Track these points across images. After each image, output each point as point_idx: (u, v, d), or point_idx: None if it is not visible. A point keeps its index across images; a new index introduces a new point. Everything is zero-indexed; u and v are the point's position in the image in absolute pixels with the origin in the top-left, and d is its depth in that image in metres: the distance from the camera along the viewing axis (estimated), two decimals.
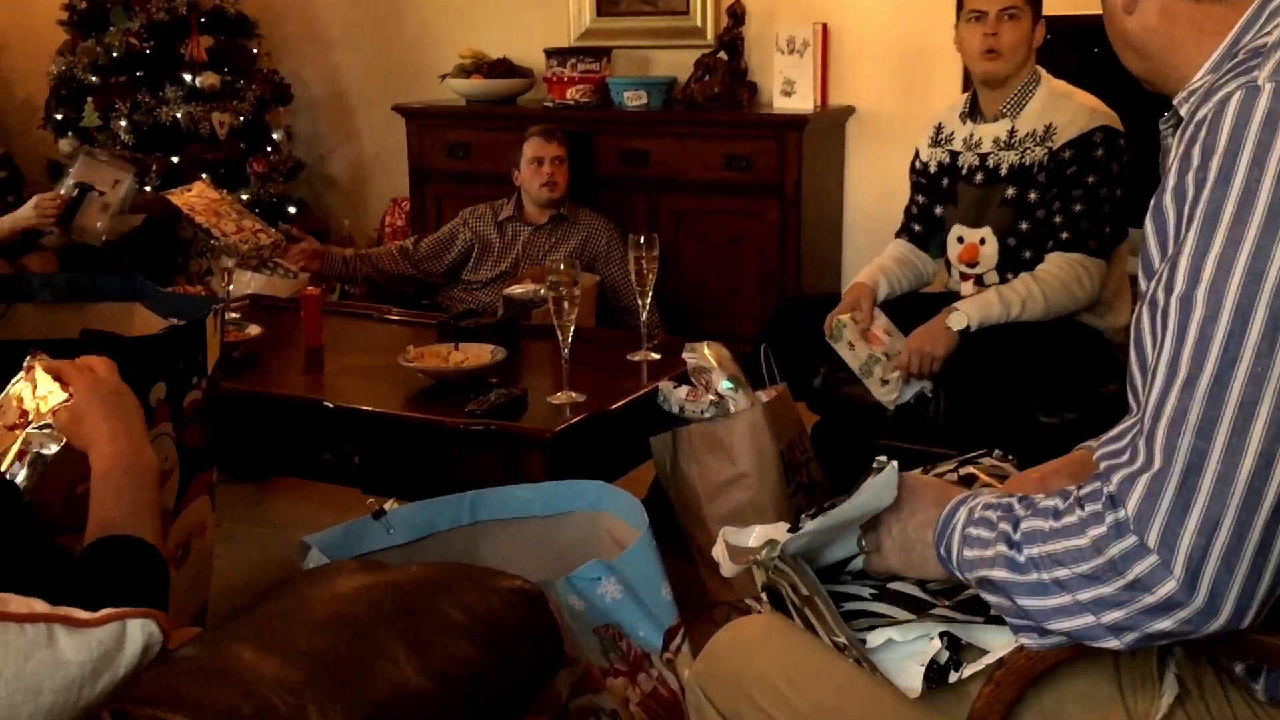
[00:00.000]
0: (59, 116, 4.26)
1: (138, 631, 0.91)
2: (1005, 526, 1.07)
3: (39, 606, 0.88)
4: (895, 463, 1.22)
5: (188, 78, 4.21)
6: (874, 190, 4.00)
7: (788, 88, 3.92)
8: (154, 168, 4.12)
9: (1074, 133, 2.56)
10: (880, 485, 1.21)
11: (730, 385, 2.39)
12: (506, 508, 1.97)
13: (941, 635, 1.20)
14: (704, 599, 2.39)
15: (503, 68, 4.25)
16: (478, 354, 2.53)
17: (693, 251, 3.93)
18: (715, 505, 2.39)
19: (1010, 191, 2.64)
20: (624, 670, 1.75)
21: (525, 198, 3.72)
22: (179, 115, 4.17)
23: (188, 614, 1.97)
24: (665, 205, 3.94)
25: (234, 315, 2.79)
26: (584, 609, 1.74)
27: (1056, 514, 1.03)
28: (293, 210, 4.46)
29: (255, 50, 4.47)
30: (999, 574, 1.06)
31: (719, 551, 1.43)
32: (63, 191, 3.37)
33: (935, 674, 1.19)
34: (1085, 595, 1.00)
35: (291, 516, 2.95)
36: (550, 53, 4.14)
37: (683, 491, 2.44)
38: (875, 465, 1.23)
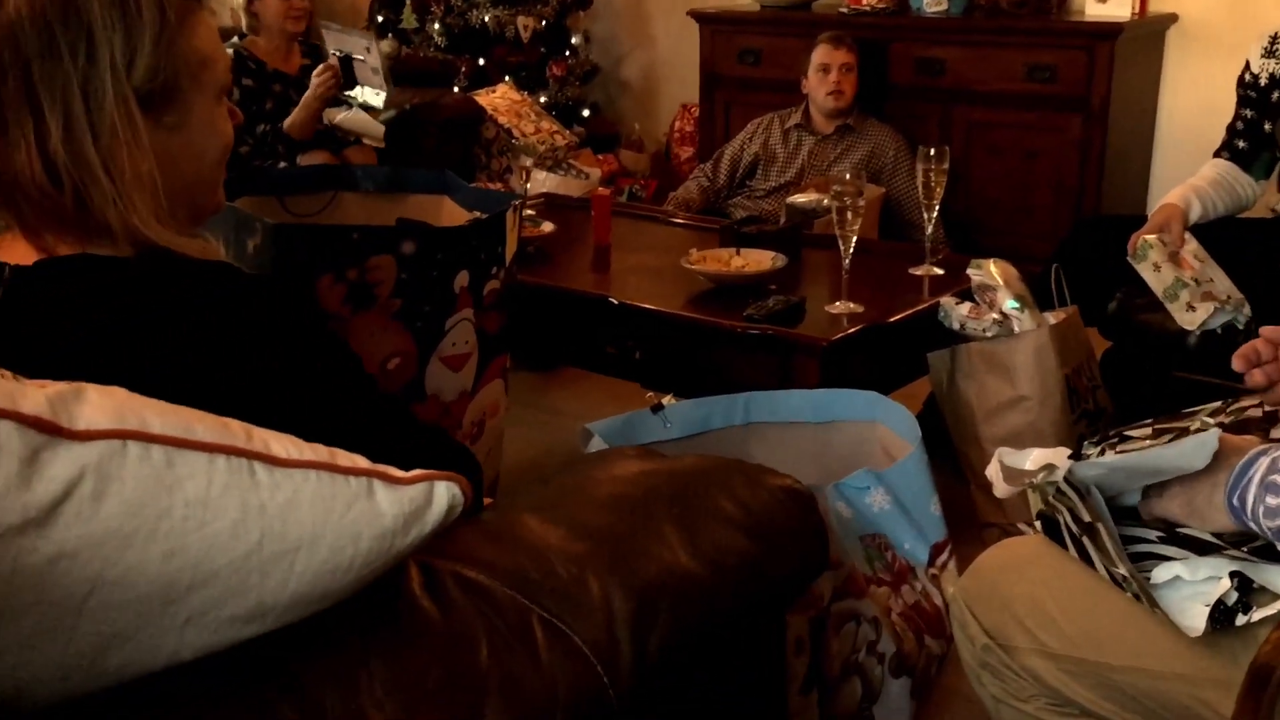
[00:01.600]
0: (380, 19, 4.54)
1: (444, 493, 0.99)
2: None
3: (361, 462, 0.97)
4: (1218, 430, 1.16)
5: None
6: (1193, 106, 3.71)
7: None
8: (462, 69, 4.33)
9: None
10: (1196, 445, 1.15)
11: (1016, 305, 2.31)
12: (779, 411, 2.01)
13: (1232, 575, 1.15)
14: (974, 519, 2.36)
15: None
16: (758, 260, 2.55)
17: (985, 166, 3.78)
18: (992, 426, 2.34)
19: None
20: (887, 580, 1.76)
21: (812, 106, 3.68)
22: (487, 19, 4.35)
23: (481, 487, 2.12)
24: (959, 117, 3.80)
25: (530, 212, 2.92)
26: (851, 516, 1.76)
27: None
28: (586, 113, 4.59)
29: None
30: None
31: (993, 471, 1.41)
32: (330, 60, 3.54)
33: (1221, 615, 1.14)
34: None
35: (575, 406, 3.10)
36: None
37: (959, 410, 2.39)
38: (1199, 426, 1.17)
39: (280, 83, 3.57)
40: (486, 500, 1.20)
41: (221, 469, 0.84)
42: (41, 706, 0.79)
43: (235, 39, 3.53)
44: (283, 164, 3.36)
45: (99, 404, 0.80)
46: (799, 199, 3.14)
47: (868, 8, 3.97)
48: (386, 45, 4.52)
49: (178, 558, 0.80)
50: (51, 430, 0.76)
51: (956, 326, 2.36)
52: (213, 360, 1.05)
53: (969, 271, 2.39)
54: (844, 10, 4.03)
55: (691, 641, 1.03)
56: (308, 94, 3.41)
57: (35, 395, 0.77)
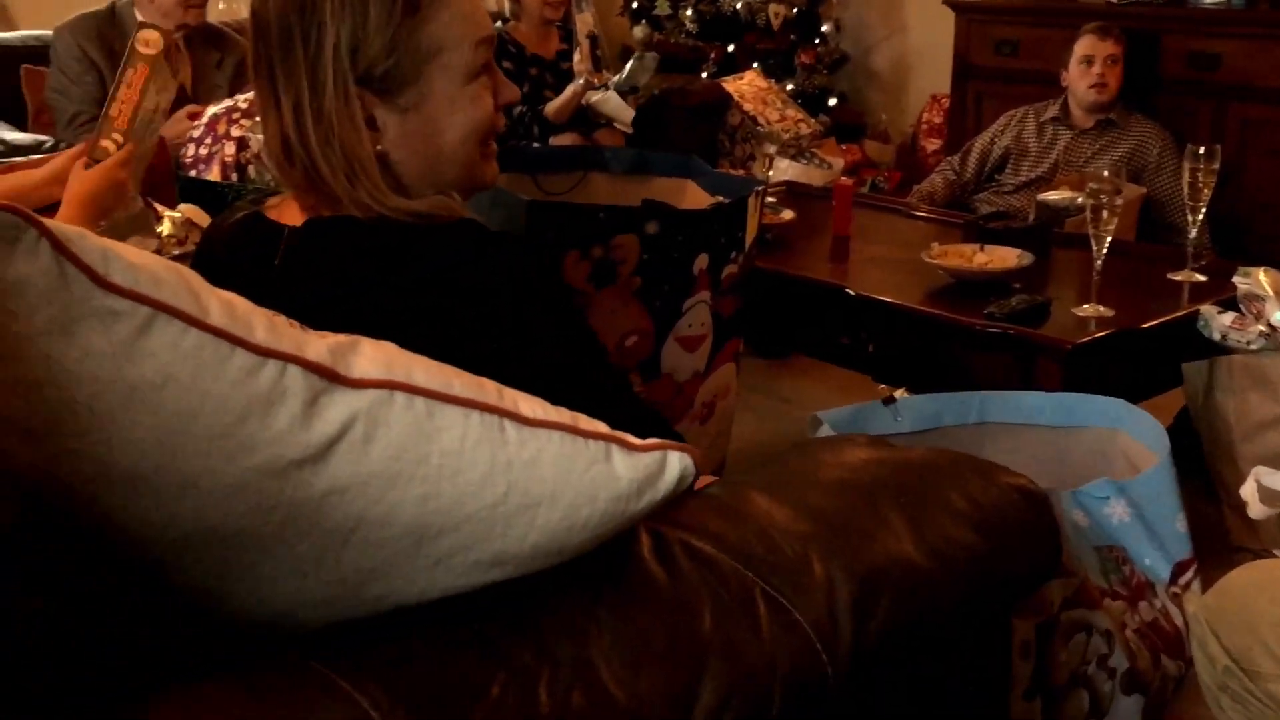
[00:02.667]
0: (635, 5, 4.63)
1: (676, 463, 1.02)
2: None
3: (601, 428, 1.01)
4: None
5: None
6: None
7: None
8: (712, 55, 4.38)
9: None
10: None
11: None
12: (1016, 412, 1.96)
13: None
14: (1224, 541, 2.23)
15: None
16: (1003, 257, 2.48)
17: (1261, 168, 3.54)
18: (1252, 445, 2.20)
19: None
20: (1124, 594, 1.70)
21: (1071, 99, 3.53)
22: (739, 6, 4.38)
23: (709, 467, 2.16)
24: (1234, 114, 3.57)
25: (771, 199, 2.93)
26: (1087, 526, 1.70)
27: None
28: (833, 102, 4.56)
29: None
30: None
31: (1249, 491, 1.34)
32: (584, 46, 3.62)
33: None
34: None
35: (804, 394, 3.10)
36: None
37: (1215, 425, 2.26)
38: None
39: (537, 66, 3.71)
40: (708, 479, 1.23)
41: (475, 424, 0.89)
42: (309, 629, 0.87)
43: (498, 23, 3.69)
44: (536, 144, 3.49)
45: (372, 356, 0.87)
46: (1051, 196, 3.03)
47: None
48: (640, 31, 4.61)
49: (432, 502, 0.86)
50: (331, 377, 0.83)
51: (1217, 337, 2.23)
52: (458, 306, 1.12)
53: (1235, 279, 2.25)
54: (1112, 0, 3.84)
55: (912, 631, 1.03)
56: (576, 84, 3.53)
57: (318, 344, 0.85)
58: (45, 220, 0.72)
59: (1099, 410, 1.94)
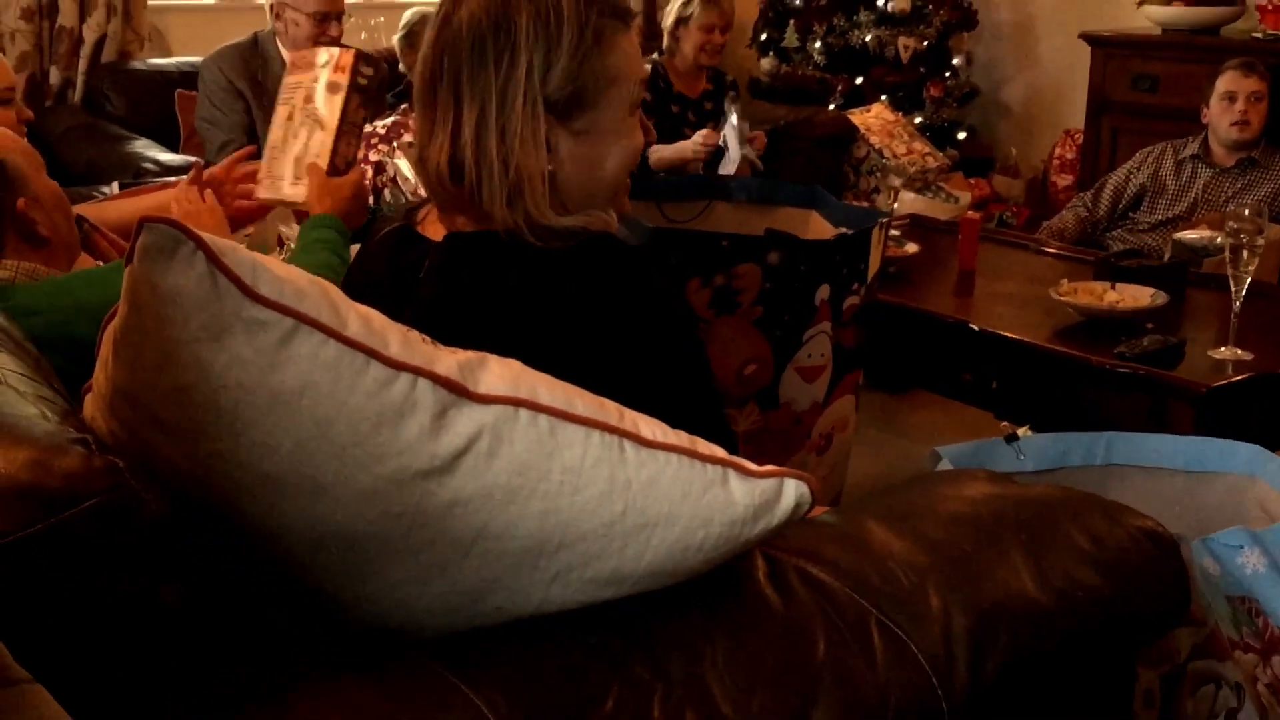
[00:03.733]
0: (764, 37, 4.65)
1: (792, 490, 1.02)
2: None
3: (719, 452, 1.02)
4: None
5: (880, 3, 4.38)
6: None
7: None
8: (839, 88, 4.37)
9: None
10: None
11: None
12: (1145, 455, 1.90)
13: None
14: None
15: None
16: (1135, 296, 2.41)
17: None
18: None
19: None
20: (1256, 647, 1.63)
21: (1212, 137, 3.43)
22: (868, 39, 4.36)
23: (825, 498, 2.14)
24: None
25: (895, 232, 2.91)
26: (1219, 574, 1.64)
27: None
28: (962, 135, 4.50)
29: None
30: None
31: None
32: (716, 137, 3.67)
33: None
34: None
35: (924, 430, 3.06)
36: None
37: None
38: None
39: (680, 104, 3.76)
40: (823, 510, 1.22)
41: (596, 443, 0.91)
42: (429, 635, 0.90)
43: (655, 55, 3.75)
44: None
45: (499, 372, 0.90)
46: (1189, 235, 2.94)
47: None
48: (767, 63, 4.63)
49: (551, 518, 0.88)
50: (460, 391, 0.86)
51: None
52: (586, 323, 1.15)
53: None
54: (1258, 35, 3.72)
55: (1031, 670, 1.01)
56: (685, 144, 3.58)
57: (448, 360, 0.88)
58: (201, 233, 0.77)
59: (1235, 456, 1.87)
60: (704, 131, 3.57)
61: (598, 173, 1.25)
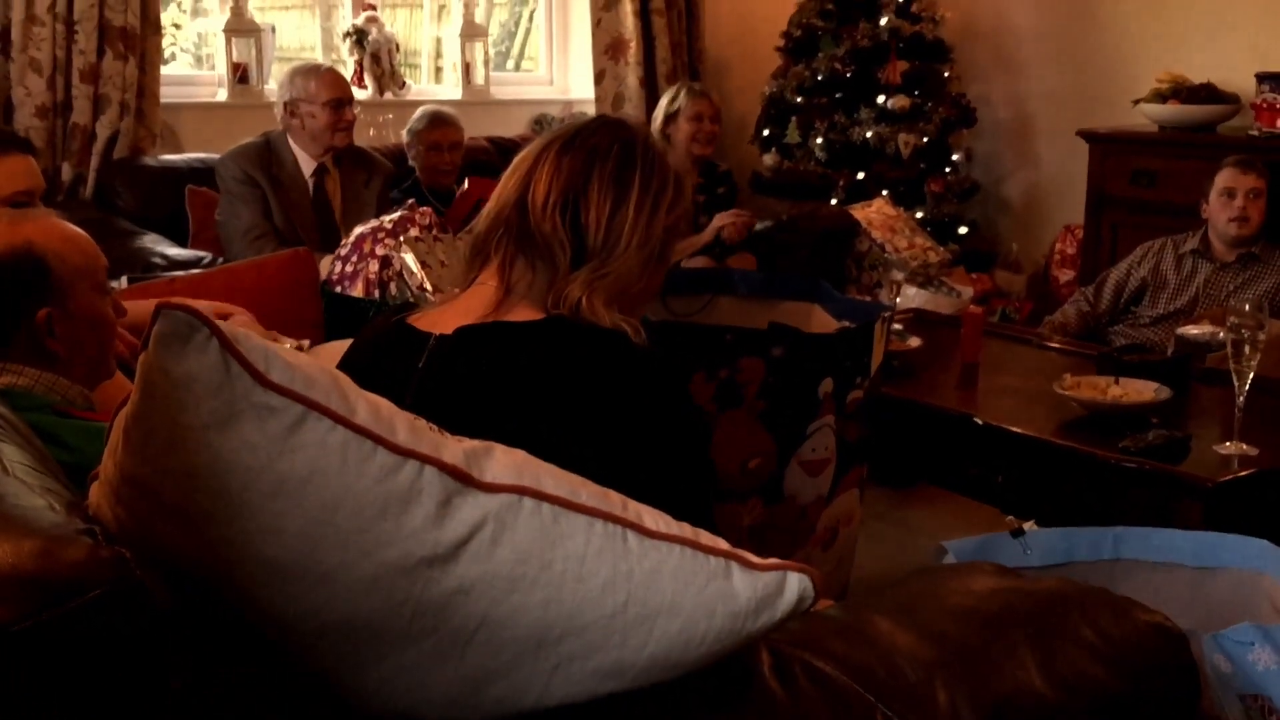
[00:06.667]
0: (765, 133, 4.74)
1: (795, 584, 1.02)
2: None
3: (721, 544, 1.02)
4: None
5: (881, 99, 4.47)
6: None
7: None
8: (841, 183, 4.43)
9: None
10: None
11: None
12: (1153, 550, 1.88)
13: None
14: None
15: (1205, 93, 3.98)
16: (1139, 390, 2.42)
17: None
18: None
19: None
20: None
21: (1212, 232, 3.47)
22: (869, 135, 4.44)
23: (830, 593, 2.12)
24: None
25: (898, 326, 2.93)
26: (1231, 672, 1.62)
27: None
28: (963, 230, 4.55)
29: (946, 74, 4.61)
30: None
31: None
32: (758, 227, 3.77)
33: None
34: None
35: (929, 525, 3.03)
36: (1263, 77, 3.80)
37: None
38: None
39: None
40: (828, 604, 1.21)
41: (599, 532, 0.91)
42: None
43: None
44: None
45: (504, 461, 0.90)
46: (1191, 329, 2.96)
47: None
48: (770, 159, 4.70)
49: (554, 607, 0.88)
50: (465, 479, 0.86)
51: None
52: (595, 411, 1.19)
53: None
54: (1254, 133, 3.79)
55: None
56: (705, 235, 3.65)
57: (454, 448, 0.88)
58: (216, 321, 0.78)
59: (1242, 551, 1.86)
60: (728, 215, 3.65)
61: (653, 292, 1.43)
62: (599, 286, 1.30)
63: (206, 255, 3.26)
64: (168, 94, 3.93)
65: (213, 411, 0.77)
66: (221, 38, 4.13)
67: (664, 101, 3.90)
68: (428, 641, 0.85)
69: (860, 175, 4.46)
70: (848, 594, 2.23)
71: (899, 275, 3.30)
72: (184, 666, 0.78)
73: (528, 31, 5.32)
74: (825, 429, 2.03)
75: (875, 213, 3.99)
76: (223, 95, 4.16)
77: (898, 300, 3.22)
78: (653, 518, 0.97)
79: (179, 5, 4.44)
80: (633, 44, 4.83)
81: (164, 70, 3.95)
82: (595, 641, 0.90)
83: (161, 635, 0.75)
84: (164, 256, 3.27)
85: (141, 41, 3.73)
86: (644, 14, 4.83)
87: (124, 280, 2.57)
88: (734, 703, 0.93)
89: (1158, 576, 1.90)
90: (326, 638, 0.84)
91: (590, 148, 1.34)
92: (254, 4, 4.25)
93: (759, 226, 3.76)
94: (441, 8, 4.88)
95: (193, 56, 4.50)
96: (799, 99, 4.60)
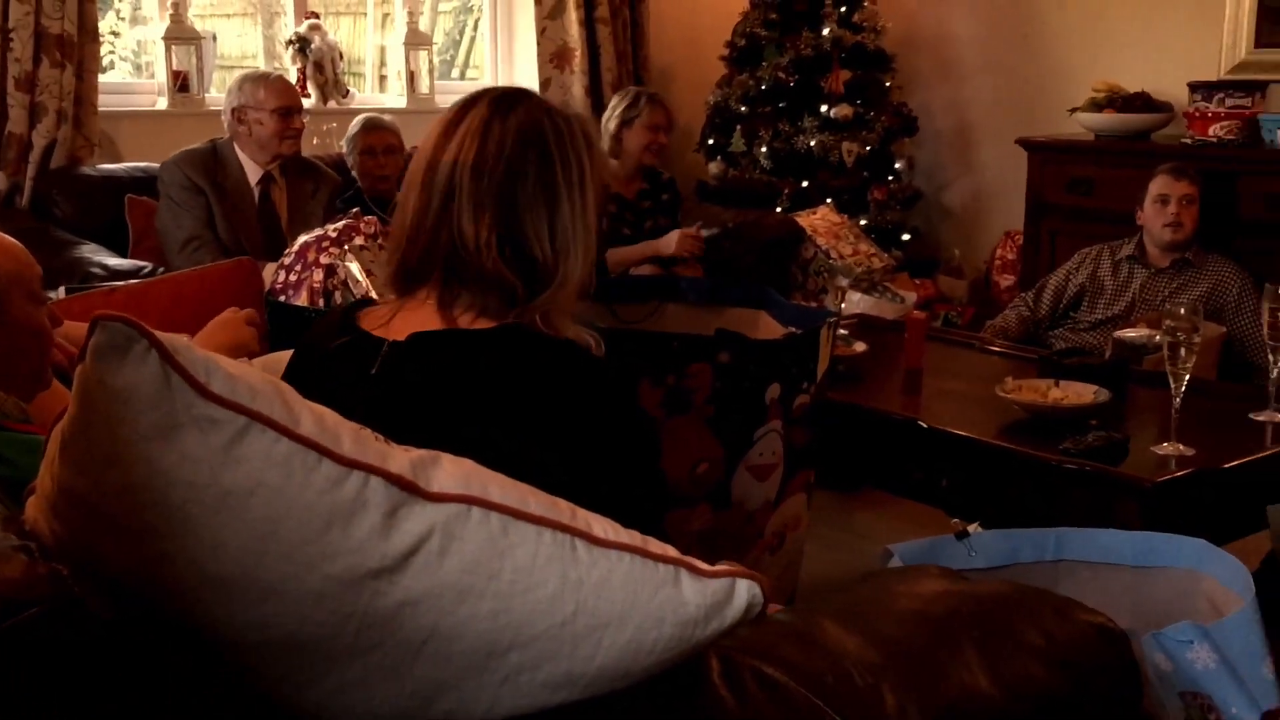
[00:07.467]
0: (710, 142, 4.76)
1: (744, 590, 1.02)
2: None
3: (671, 552, 1.02)
4: None
5: (824, 109, 4.51)
6: None
7: None
8: (785, 191, 4.46)
9: None
10: None
11: None
12: (1095, 551, 1.91)
13: None
14: None
15: (1139, 101, 4.06)
16: (1079, 393, 2.46)
17: None
18: None
19: None
20: None
21: (1147, 238, 3.53)
22: (813, 144, 4.47)
23: (779, 597, 2.13)
24: None
25: (843, 332, 2.95)
26: (1171, 670, 1.65)
27: None
28: (906, 237, 4.60)
29: (888, 84, 4.66)
30: None
31: None
32: (704, 234, 3.77)
33: None
34: None
35: (875, 528, 3.06)
36: (1195, 86, 3.88)
37: None
38: None
39: (617, 204, 3.83)
40: (777, 609, 1.22)
41: (548, 542, 0.91)
42: None
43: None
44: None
45: (451, 471, 0.90)
46: (1128, 333, 3.01)
47: (1214, 139, 3.79)
48: (715, 167, 4.72)
49: (502, 618, 0.87)
50: (412, 490, 0.86)
51: None
52: (548, 419, 1.17)
53: None
54: (1187, 141, 3.87)
55: None
56: (662, 242, 3.65)
57: (401, 458, 0.88)
58: (156, 331, 0.77)
59: (1180, 551, 1.89)
60: (687, 232, 3.65)
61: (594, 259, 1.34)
62: (560, 300, 1.27)
63: (147, 265, 3.21)
64: (106, 102, 3.86)
65: (152, 424, 0.76)
66: (161, 45, 4.07)
67: (620, 104, 3.89)
68: (374, 655, 0.84)
69: (805, 183, 4.49)
70: (796, 598, 2.24)
71: (844, 281, 3.33)
72: (124, 683, 0.76)
73: (473, 40, 5.29)
74: (772, 434, 2.04)
75: (820, 220, 4.02)
76: (163, 103, 4.10)
77: (843, 306, 3.25)
78: (601, 526, 0.97)
79: (117, 13, 4.37)
80: (578, 53, 4.83)
81: (102, 78, 3.88)
82: (545, 652, 0.89)
83: (101, 652, 0.73)
84: (103, 266, 3.21)
85: (79, 49, 3.66)
86: (589, 23, 4.84)
87: (61, 290, 2.52)
88: (683, 711, 0.93)
89: (1099, 577, 1.93)
90: (271, 652, 0.82)
91: (506, 164, 1.26)
92: (194, 11, 4.20)
93: (706, 234, 3.77)
94: (385, 16, 4.85)
95: (132, 65, 4.43)
96: (744, 108, 4.62)
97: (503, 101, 1.30)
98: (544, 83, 4.83)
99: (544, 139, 1.28)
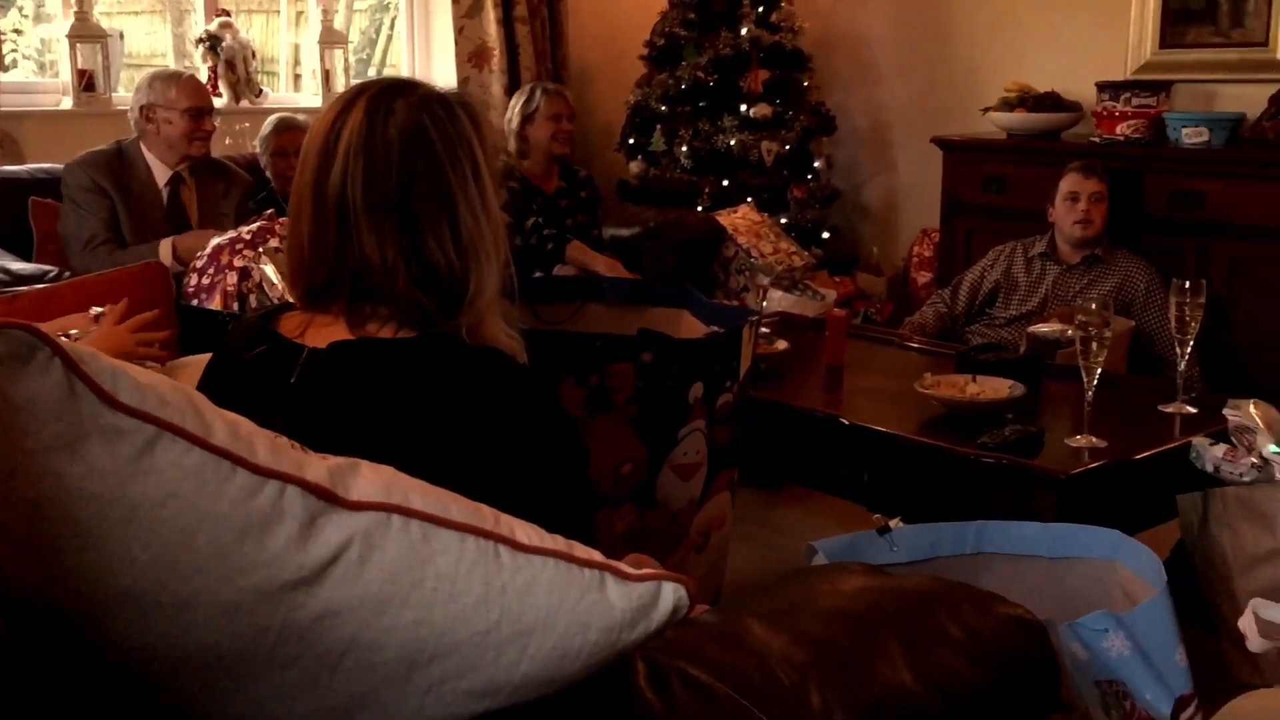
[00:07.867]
0: (631, 141, 4.76)
1: (670, 593, 1.01)
2: None
3: (596, 556, 1.01)
4: None
5: (743, 108, 4.53)
6: None
7: None
8: (706, 190, 4.48)
9: None
10: None
11: (1277, 450, 2.18)
12: (1012, 543, 1.95)
13: None
14: (1224, 676, 2.19)
15: (1049, 101, 4.15)
16: (995, 388, 2.50)
17: (1251, 303, 3.59)
18: (1248, 579, 2.19)
19: None
20: None
21: (1058, 235, 3.61)
22: (732, 143, 4.50)
23: (704, 596, 2.14)
24: (1219, 251, 3.64)
25: (765, 330, 2.97)
26: (1087, 659, 1.68)
27: None
28: (826, 235, 4.65)
29: (806, 83, 4.70)
30: None
31: (1246, 624, 1.33)
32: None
33: None
34: None
35: (799, 525, 3.08)
36: (1103, 86, 3.98)
37: (1211, 558, 2.25)
38: None
39: (541, 198, 3.82)
40: (703, 609, 1.22)
41: (470, 548, 0.90)
42: None
43: (503, 156, 3.80)
44: (538, 273, 3.55)
45: (370, 478, 0.88)
46: (1041, 328, 3.07)
47: (1121, 138, 3.88)
48: (635, 167, 4.72)
49: (425, 627, 0.86)
50: (330, 498, 0.84)
51: (1210, 469, 2.24)
52: (471, 425, 1.15)
53: (1225, 412, 2.27)
54: (1095, 140, 3.96)
55: None
56: (592, 266, 3.66)
57: (318, 466, 0.86)
58: (59, 340, 0.74)
59: (1095, 542, 1.93)
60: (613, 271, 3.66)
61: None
62: (480, 310, 1.24)
63: (52, 269, 3.11)
64: (7, 102, 3.75)
65: (57, 435, 0.73)
66: (66, 44, 3.96)
67: (518, 102, 3.88)
68: (293, 669, 0.82)
69: (725, 182, 4.51)
70: (721, 597, 2.25)
71: (765, 280, 3.35)
72: (28, 704, 0.74)
73: (389, 39, 5.23)
74: (696, 433, 2.04)
75: (740, 219, 4.05)
76: (67, 103, 3.99)
77: (764, 304, 3.27)
78: (525, 531, 0.96)
79: (20, 10, 4.24)
80: (496, 52, 4.80)
81: (4, 77, 3.77)
82: (469, 661, 0.88)
83: (3, 672, 0.70)
84: (6, 271, 3.11)
85: None
86: (507, 22, 4.81)
87: None
88: (610, 716, 0.92)
89: (1018, 569, 1.96)
90: (186, 667, 0.80)
91: (396, 175, 1.21)
92: (100, 9, 4.09)
93: (627, 234, 3.78)
94: (299, 14, 4.77)
95: (35, 63, 4.30)
96: (664, 107, 4.63)
97: (380, 102, 1.23)
98: (462, 81, 4.79)
99: (428, 139, 1.22)
